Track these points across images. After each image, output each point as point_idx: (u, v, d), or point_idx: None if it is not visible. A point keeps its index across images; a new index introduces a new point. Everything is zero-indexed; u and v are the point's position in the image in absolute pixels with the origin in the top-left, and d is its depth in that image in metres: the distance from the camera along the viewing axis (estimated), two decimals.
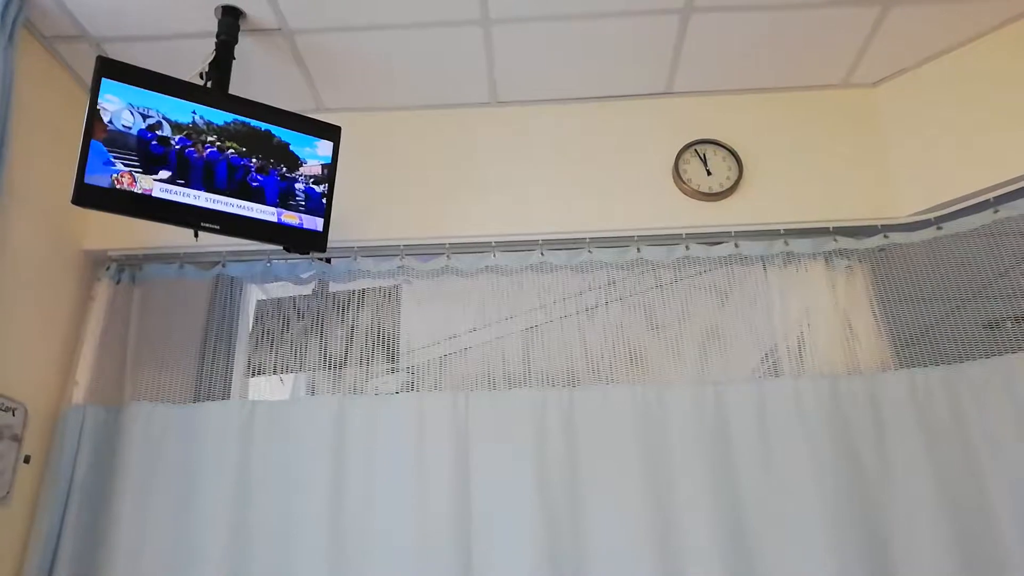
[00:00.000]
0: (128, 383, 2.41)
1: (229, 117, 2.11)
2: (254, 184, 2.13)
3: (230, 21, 2.23)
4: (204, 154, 2.07)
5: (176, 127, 2.03)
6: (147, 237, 2.51)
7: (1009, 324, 2.30)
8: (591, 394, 2.27)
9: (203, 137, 2.07)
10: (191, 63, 2.29)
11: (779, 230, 2.46)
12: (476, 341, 2.44)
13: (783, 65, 2.52)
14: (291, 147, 2.20)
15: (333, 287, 2.58)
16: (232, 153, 2.10)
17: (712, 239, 2.48)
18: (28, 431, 2.18)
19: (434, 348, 2.45)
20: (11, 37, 2.03)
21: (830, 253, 2.46)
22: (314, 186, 2.23)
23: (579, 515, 2.13)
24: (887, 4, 2.25)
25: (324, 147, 2.26)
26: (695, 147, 2.55)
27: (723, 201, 2.49)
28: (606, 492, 2.14)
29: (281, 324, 2.54)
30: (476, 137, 2.64)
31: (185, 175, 2.03)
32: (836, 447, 2.13)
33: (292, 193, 2.19)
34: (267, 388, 2.56)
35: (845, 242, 2.43)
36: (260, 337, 2.54)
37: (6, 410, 2.09)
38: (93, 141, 1.91)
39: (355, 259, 2.52)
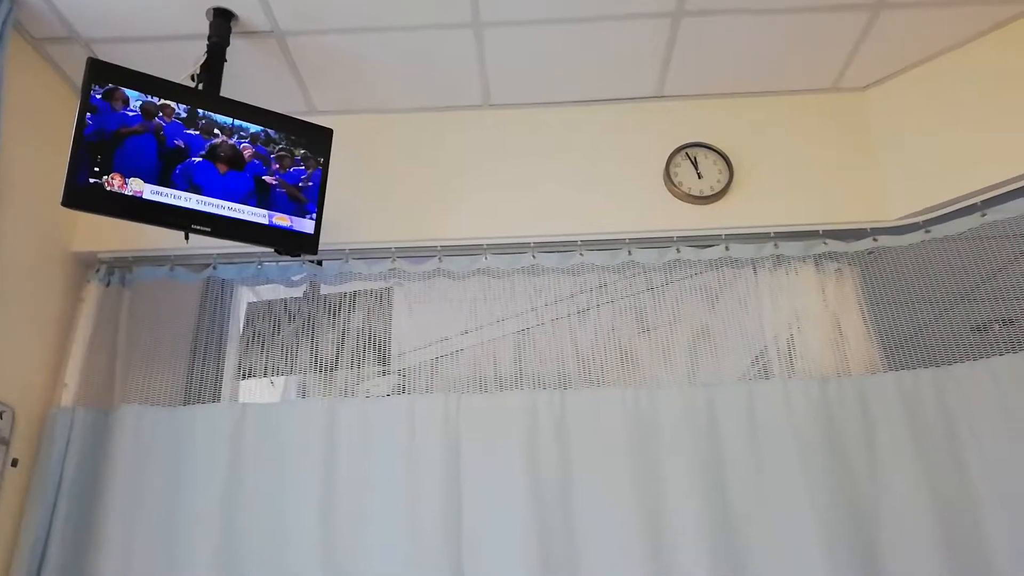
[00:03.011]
0: (118, 386, 2.40)
1: (220, 119, 2.11)
2: (245, 186, 2.13)
3: (221, 23, 2.22)
4: (195, 157, 2.06)
5: (167, 130, 2.02)
6: (137, 239, 2.50)
7: (997, 327, 2.32)
8: (582, 396, 2.27)
9: (194, 140, 2.06)
10: (182, 65, 2.29)
11: (769, 233, 2.48)
12: (468, 343, 2.44)
13: (773, 69, 2.53)
14: (282, 149, 2.20)
15: (324, 289, 2.57)
16: (223, 155, 2.10)
17: (703, 242, 2.49)
18: (16, 434, 2.16)
19: (425, 351, 2.45)
20: (0, 39, 2.03)
21: (820, 256, 2.47)
22: (305, 188, 2.23)
23: (570, 517, 2.13)
24: (876, 8, 2.27)
25: (316, 150, 2.25)
26: (686, 150, 2.56)
27: (714, 204, 2.50)
28: (597, 494, 2.14)
29: (272, 326, 2.53)
30: (467, 140, 2.64)
31: (176, 177, 2.03)
32: (825, 448, 2.14)
33: (283, 195, 2.19)
34: (258, 391, 2.55)
35: (835, 245, 2.45)
36: (251, 339, 2.53)
37: None
38: (83, 143, 1.91)
39: (346, 261, 2.52)
